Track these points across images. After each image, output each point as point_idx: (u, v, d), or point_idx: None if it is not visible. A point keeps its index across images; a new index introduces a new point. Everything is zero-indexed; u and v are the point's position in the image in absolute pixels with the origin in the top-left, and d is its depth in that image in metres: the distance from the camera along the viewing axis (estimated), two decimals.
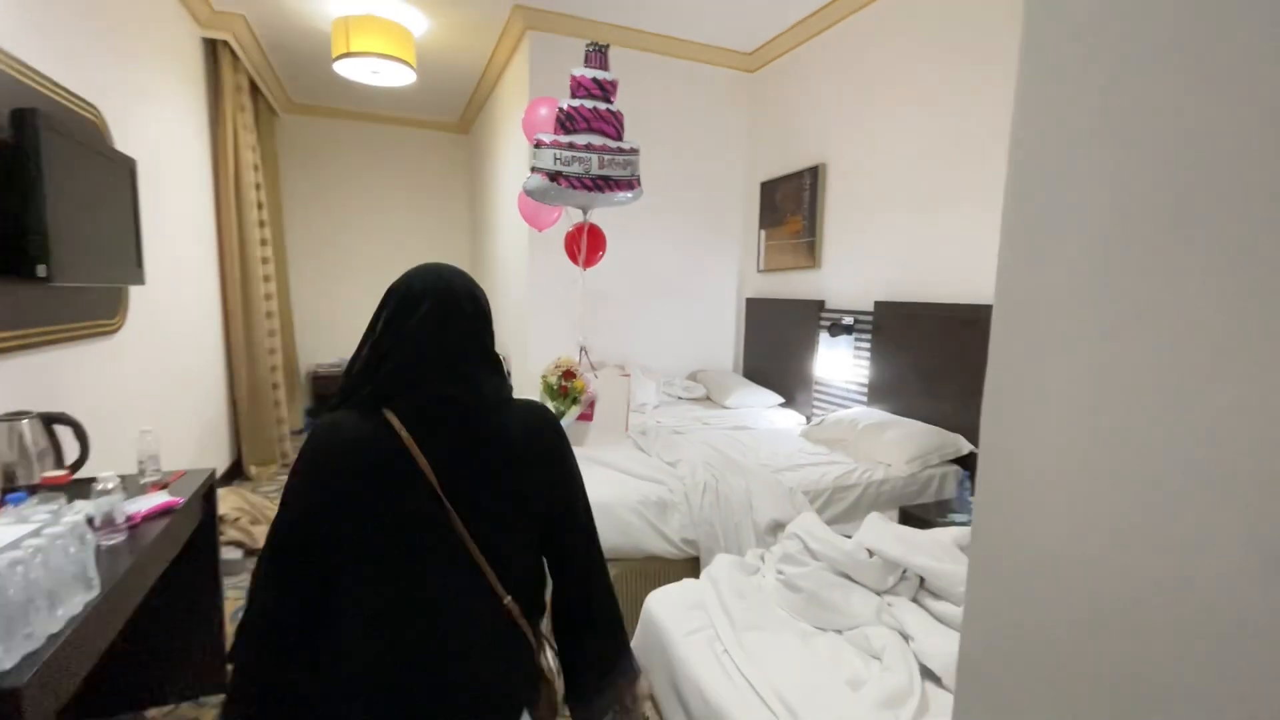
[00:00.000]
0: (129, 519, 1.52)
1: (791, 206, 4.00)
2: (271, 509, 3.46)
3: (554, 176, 2.41)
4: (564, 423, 2.55)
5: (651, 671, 1.38)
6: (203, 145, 3.88)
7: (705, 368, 4.63)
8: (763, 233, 4.34)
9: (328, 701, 0.87)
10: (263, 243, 4.46)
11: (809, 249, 3.85)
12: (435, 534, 0.88)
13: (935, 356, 2.99)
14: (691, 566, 2.21)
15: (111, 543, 1.43)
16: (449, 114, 6.17)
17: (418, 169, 6.40)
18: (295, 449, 5.13)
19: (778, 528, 2.25)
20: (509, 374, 0.81)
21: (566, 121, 2.39)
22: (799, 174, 3.92)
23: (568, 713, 1.03)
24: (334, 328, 6.19)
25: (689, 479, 2.27)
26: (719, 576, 1.49)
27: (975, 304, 2.80)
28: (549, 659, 1.00)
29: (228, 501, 3.25)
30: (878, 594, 1.38)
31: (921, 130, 3.09)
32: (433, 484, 0.87)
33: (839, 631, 1.34)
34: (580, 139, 2.42)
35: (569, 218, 2.81)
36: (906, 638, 1.26)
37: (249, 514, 3.30)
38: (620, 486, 2.23)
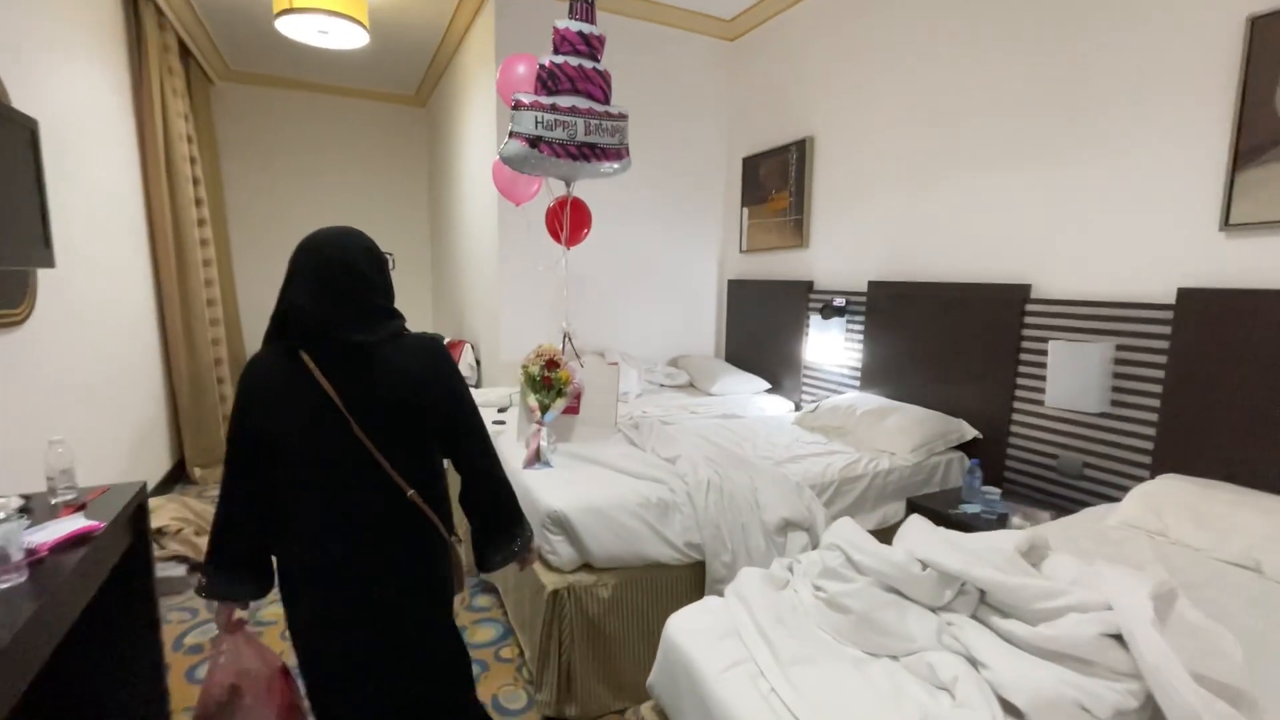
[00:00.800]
0: (31, 553, 1.23)
1: (776, 182, 3.82)
2: None
3: (534, 142, 2.15)
4: (548, 418, 2.33)
5: (682, 714, 1.19)
6: (125, 111, 3.45)
7: (686, 353, 4.44)
8: (745, 211, 4.14)
9: (287, 580, 1.21)
10: (200, 223, 4.05)
11: (796, 227, 3.68)
12: (344, 446, 1.14)
13: (934, 338, 2.86)
14: (695, 572, 2.03)
15: (6, 585, 1.15)
16: (405, 85, 5.75)
17: (372, 144, 5.97)
18: None
19: (788, 527, 2.08)
20: (403, 318, 1.24)
21: (549, 80, 2.13)
22: (784, 148, 3.73)
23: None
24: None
25: (690, 476, 2.08)
26: (749, 596, 1.30)
27: (977, 283, 2.67)
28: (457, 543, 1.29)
29: (167, 511, 2.91)
30: (933, 611, 1.21)
31: (917, 100, 2.93)
32: (339, 406, 1.13)
33: (894, 658, 1.16)
34: (564, 100, 2.17)
35: (549, 191, 2.56)
36: (976, 664, 1.09)
37: (193, 524, 2.97)
38: (616, 487, 2.03)
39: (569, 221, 2.43)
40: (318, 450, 1.15)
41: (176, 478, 3.97)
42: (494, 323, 3.90)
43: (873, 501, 2.43)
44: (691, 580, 2.02)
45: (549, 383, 2.39)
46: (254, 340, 5.55)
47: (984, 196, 2.66)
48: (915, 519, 1.44)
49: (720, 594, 1.89)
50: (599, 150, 2.27)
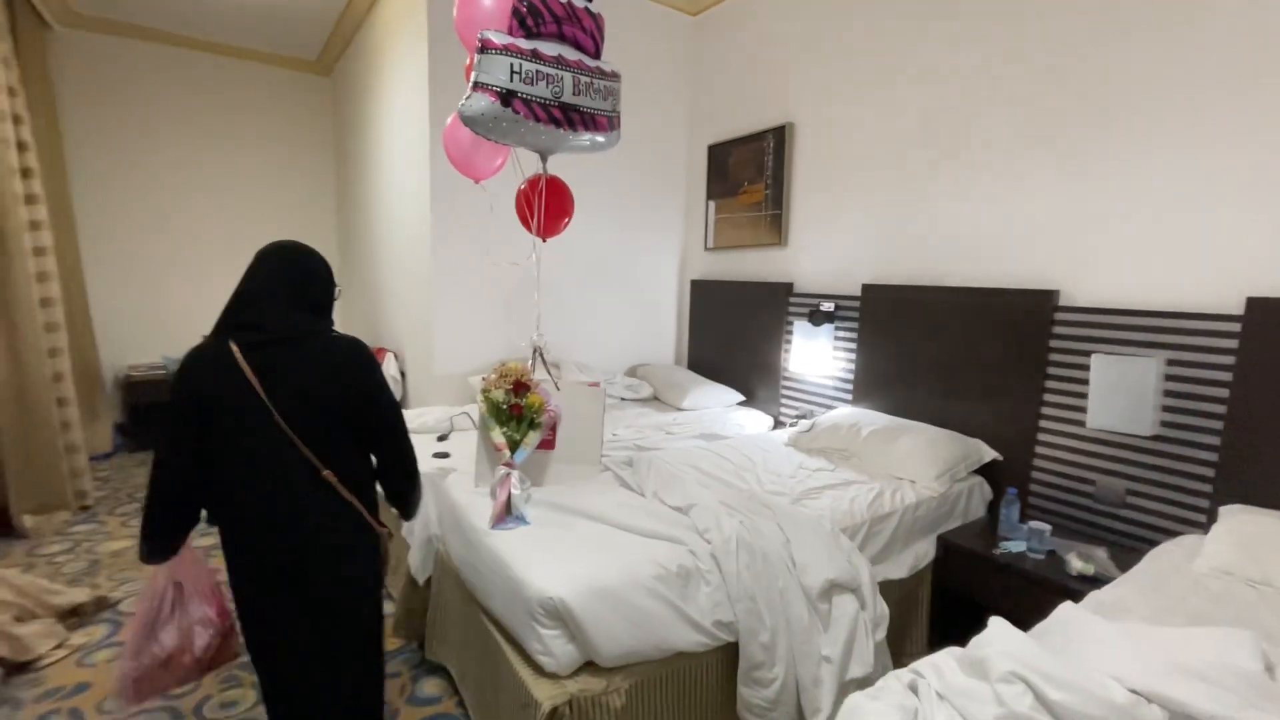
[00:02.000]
0: None
1: (749, 173, 3.45)
2: (53, 589, 2.35)
3: (507, 98, 1.63)
4: (518, 457, 1.81)
5: None
6: None
7: (645, 361, 3.99)
8: (711, 204, 3.75)
9: (223, 538, 1.34)
10: (28, 200, 3.14)
11: (773, 223, 3.33)
12: (263, 434, 1.25)
13: (941, 349, 2.59)
14: (725, 657, 1.59)
15: None
16: (305, 48, 4.92)
17: (265, 116, 5.07)
18: (99, 481, 3.81)
19: (832, 590, 1.69)
20: (333, 323, 1.41)
21: (529, 17, 1.62)
22: (759, 135, 3.36)
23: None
24: (154, 318, 4.76)
25: (715, 533, 1.63)
26: None
27: (993, 287, 2.41)
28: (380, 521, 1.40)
29: None
30: None
31: (918, 79, 2.64)
32: (258, 392, 1.24)
33: None
34: (548, 48, 1.66)
35: (517, 168, 2.02)
36: None
37: (13, 606, 2.19)
38: (622, 554, 1.55)
39: (543, 207, 1.91)
40: (242, 429, 1.25)
41: None
42: (425, 329, 3.28)
43: (902, 541, 2.10)
44: (722, 670, 1.58)
45: (518, 412, 1.87)
46: (113, 350, 4.54)
47: (1000, 190, 2.39)
48: (1069, 608, 1.07)
49: (760, 682, 1.48)
50: (587, 116, 1.78)
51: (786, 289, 3.26)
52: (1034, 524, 1.99)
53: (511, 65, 1.61)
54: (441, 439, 2.64)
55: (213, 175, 4.89)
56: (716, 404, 3.41)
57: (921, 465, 2.27)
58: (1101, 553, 1.88)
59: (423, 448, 2.52)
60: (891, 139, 2.76)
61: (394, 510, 1.48)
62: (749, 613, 1.56)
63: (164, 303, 4.79)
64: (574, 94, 1.73)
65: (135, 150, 4.59)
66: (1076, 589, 1.76)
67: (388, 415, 1.37)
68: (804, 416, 3.15)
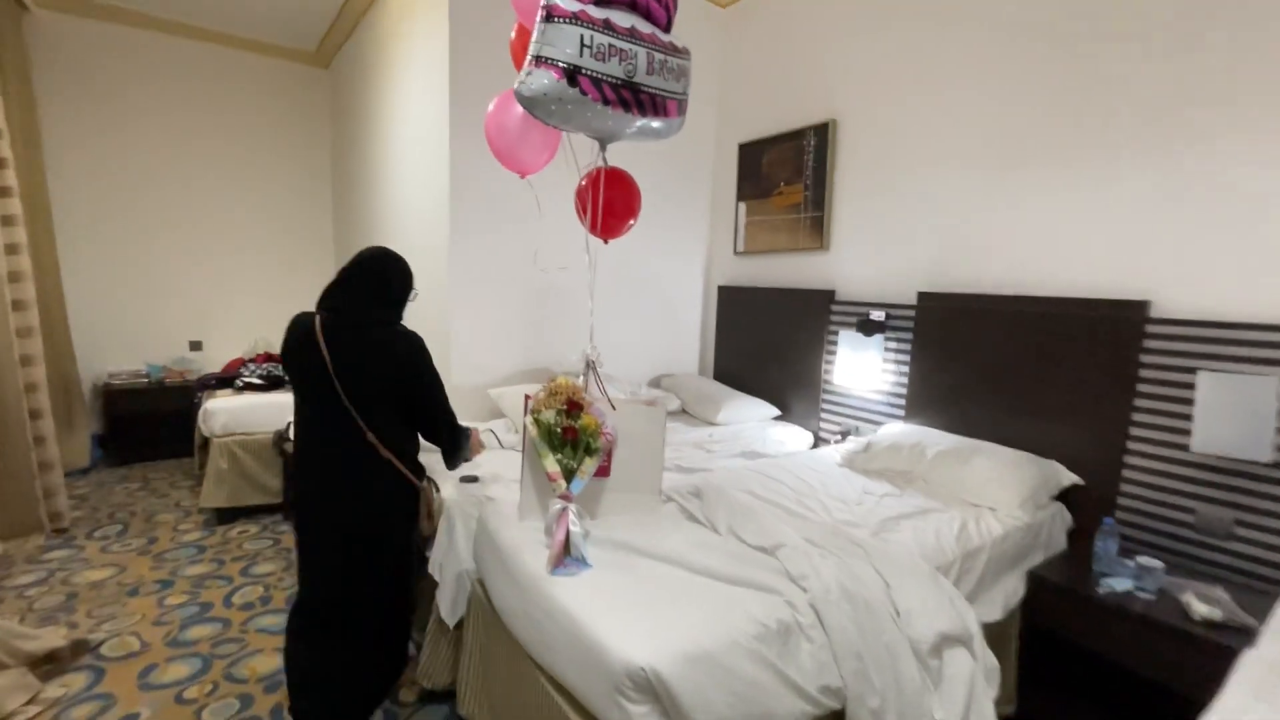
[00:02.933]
0: None
1: (786, 173, 3.25)
2: (24, 633, 2.06)
3: (573, 75, 1.40)
4: (575, 488, 1.58)
5: None
6: None
7: (670, 371, 3.77)
8: (742, 206, 3.55)
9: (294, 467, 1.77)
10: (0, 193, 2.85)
11: (813, 226, 3.13)
12: (327, 394, 1.57)
13: (1009, 363, 2.40)
14: None
15: None
16: (303, 39, 4.65)
17: (258, 109, 4.79)
18: (75, 500, 3.49)
19: (943, 645, 1.47)
20: (400, 317, 1.72)
21: None
22: (798, 133, 3.17)
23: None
24: (137, 323, 4.45)
25: (813, 579, 1.41)
26: None
27: (1072, 297, 2.22)
28: (428, 485, 1.81)
29: None
30: None
31: (982, 69, 2.46)
32: (326, 359, 1.56)
33: None
34: (621, 18, 1.44)
35: (570, 160, 1.79)
36: None
37: None
38: (712, 608, 1.32)
39: (601, 203, 1.68)
40: (310, 385, 1.61)
41: None
42: (441, 337, 3.02)
43: (992, 578, 1.89)
44: None
45: (572, 435, 1.63)
46: (93, 356, 4.22)
47: (1080, 189, 2.21)
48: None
49: None
50: (658, 99, 1.56)
51: (828, 296, 3.06)
52: (1143, 559, 1.79)
53: (582, 37, 1.38)
54: (466, 460, 2.38)
55: (202, 171, 4.60)
56: (751, 418, 3.19)
57: (1002, 491, 2.07)
58: (1222, 593, 1.69)
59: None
60: (952, 136, 2.57)
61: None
62: (857, 674, 1.34)
63: (148, 306, 4.47)
64: (647, 73, 1.51)
65: (119, 143, 4.29)
66: (1201, 636, 1.57)
67: (432, 392, 1.70)
68: (847, 433, 2.95)
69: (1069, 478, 2.18)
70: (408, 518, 1.74)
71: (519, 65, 1.73)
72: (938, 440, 2.38)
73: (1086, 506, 2.18)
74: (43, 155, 3.83)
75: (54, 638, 2.10)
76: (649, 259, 3.58)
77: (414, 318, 3.67)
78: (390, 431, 1.63)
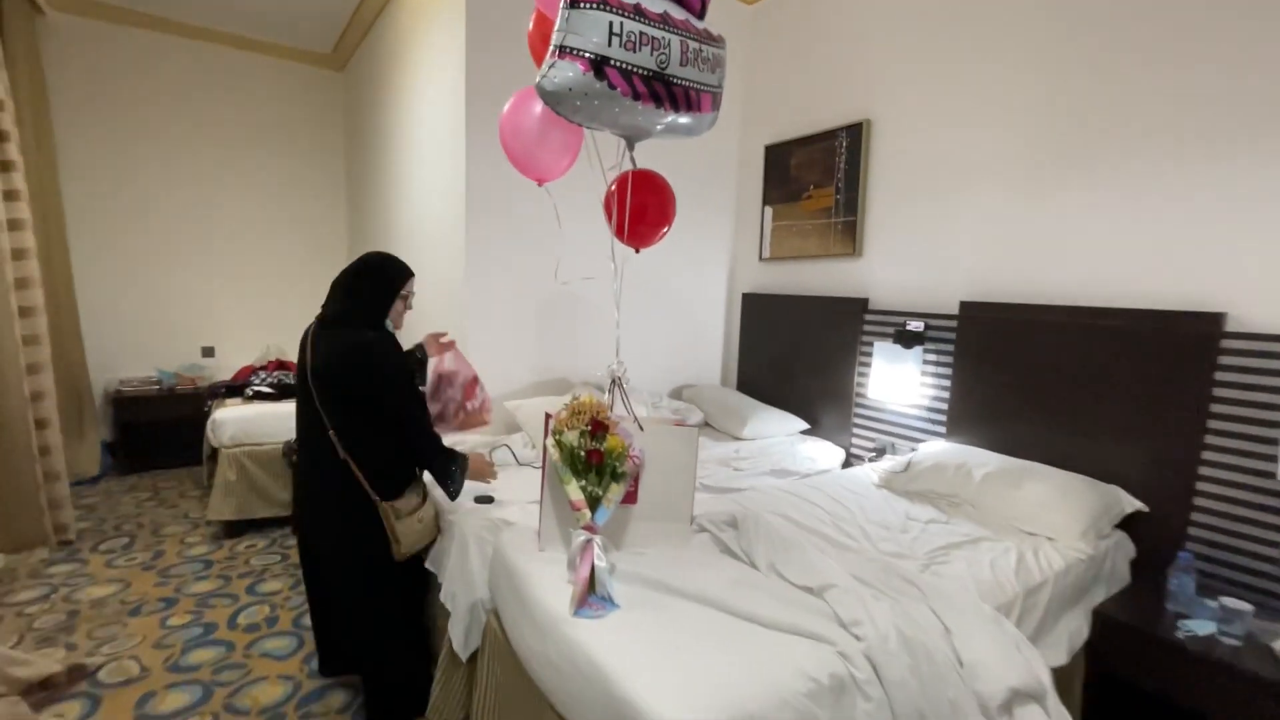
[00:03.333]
0: None
1: (816, 176, 3.10)
2: (18, 658, 1.95)
3: (600, 66, 1.27)
4: (600, 518, 1.45)
5: None
6: None
7: (689, 382, 3.63)
8: (768, 210, 3.41)
9: None
10: (6, 195, 2.78)
11: (845, 231, 2.98)
12: (305, 395, 1.68)
13: (1063, 378, 2.23)
14: None
15: None
16: (318, 41, 4.59)
17: (272, 113, 4.73)
18: (82, 510, 3.41)
19: (1016, 702, 1.31)
20: (370, 322, 1.73)
21: None
22: (829, 134, 3.02)
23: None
24: (149, 329, 4.39)
25: (867, 626, 1.26)
26: None
27: (1134, 308, 2.05)
28: (394, 504, 1.72)
29: None
30: None
31: (1029, 65, 2.30)
32: (307, 364, 1.68)
33: None
34: (652, 3, 1.31)
35: (594, 161, 1.66)
36: None
37: None
38: (756, 658, 1.17)
39: (631, 209, 1.54)
40: (300, 395, 1.73)
41: None
42: (458, 346, 2.90)
43: (1052, 617, 1.72)
44: None
45: (597, 459, 1.50)
46: (104, 362, 4.16)
47: (1143, 192, 2.05)
48: None
49: None
50: (692, 92, 1.43)
51: (860, 305, 2.91)
52: (1227, 600, 1.61)
53: (611, 24, 1.25)
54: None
55: (216, 174, 4.54)
56: (779, 433, 3.04)
57: (1061, 518, 1.90)
58: None
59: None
60: (999, 135, 2.41)
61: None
62: None
63: (160, 311, 4.41)
64: (680, 63, 1.38)
65: (132, 147, 4.24)
66: None
67: (395, 406, 1.70)
68: (881, 450, 2.79)
69: (1132, 504, 2.01)
70: (362, 533, 1.70)
71: (538, 60, 1.60)
72: (985, 461, 2.22)
73: (1151, 536, 2.01)
74: (56, 159, 3.79)
75: (49, 663, 1.99)
76: (669, 265, 3.44)
77: (426, 325, 3.54)
78: (355, 435, 1.65)
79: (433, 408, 2.20)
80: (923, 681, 1.23)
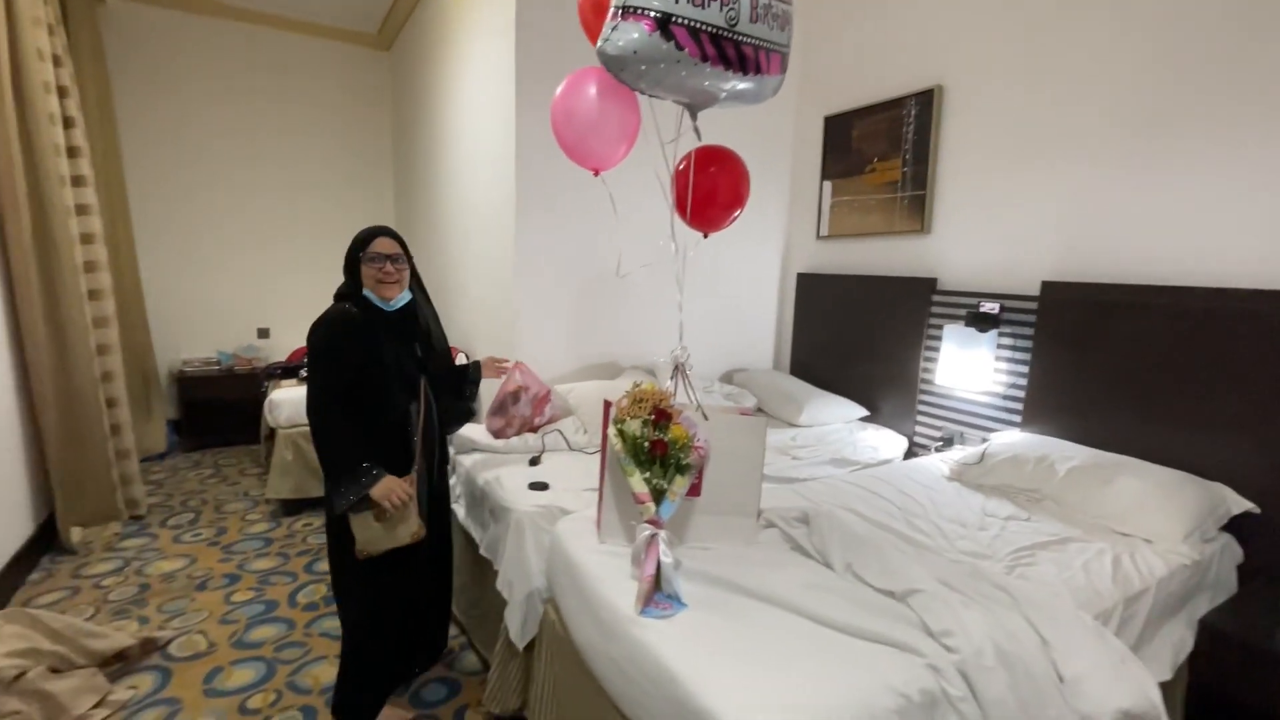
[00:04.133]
0: None
1: (881, 148, 2.92)
2: (95, 631, 2.02)
3: (665, 24, 1.17)
4: (665, 512, 1.38)
5: None
6: None
7: (740, 366, 3.52)
8: (828, 185, 3.24)
9: None
10: (74, 181, 2.85)
11: (912, 206, 2.80)
12: None
13: (1158, 364, 2.04)
14: None
15: None
16: (365, 20, 4.57)
17: (322, 94, 4.75)
18: (151, 485, 3.55)
19: None
20: (344, 292, 1.63)
21: None
22: (896, 103, 2.83)
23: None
24: (208, 310, 4.51)
25: (960, 637, 1.16)
26: None
27: (1249, 289, 1.85)
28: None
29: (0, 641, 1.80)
30: None
31: (1132, 24, 2.08)
32: None
33: None
34: None
35: (643, 138, 1.55)
36: None
37: (49, 655, 1.87)
38: (839, 669, 1.09)
39: (700, 188, 1.44)
40: None
41: (44, 546, 2.79)
42: (505, 331, 2.87)
43: (1153, 628, 1.58)
44: None
45: (661, 450, 1.42)
46: (167, 343, 4.30)
47: (1257, 158, 1.83)
48: None
49: None
50: (763, 52, 1.31)
51: (928, 285, 2.74)
52: None
53: None
54: (534, 463, 2.22)
55: (268, 157, 4.61)
56: (836, 420, 2.92)
57: (1161, 518, 1.74)
58: None
59: (515, 472, 2.11)
60: (1086, 97, 2.20)
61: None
62: None
63: (218, 293, 4.53)
64: (751, 20, 1.26)
65: (189, 132, 4.33)
66: None
67: (309, 378, 1.57)
68: (949, 440, 2.64)
69: (1240, 504, 1.83)
70: (331, 524, 1.63)
71: (588, 29, 1.51)
72: (1069, 454, 2.05)
73: (1261, 540, 1.83)
74: (119, 145, 3.89)
75: (124, 636, 2.06)
76: (719, 244, 3.28)
77: (473, 307, 3.49)
78: (321, 414, 1.54)
79: (498, 422, 2.28)
80: (1023, 701, 1.13)
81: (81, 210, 2.91)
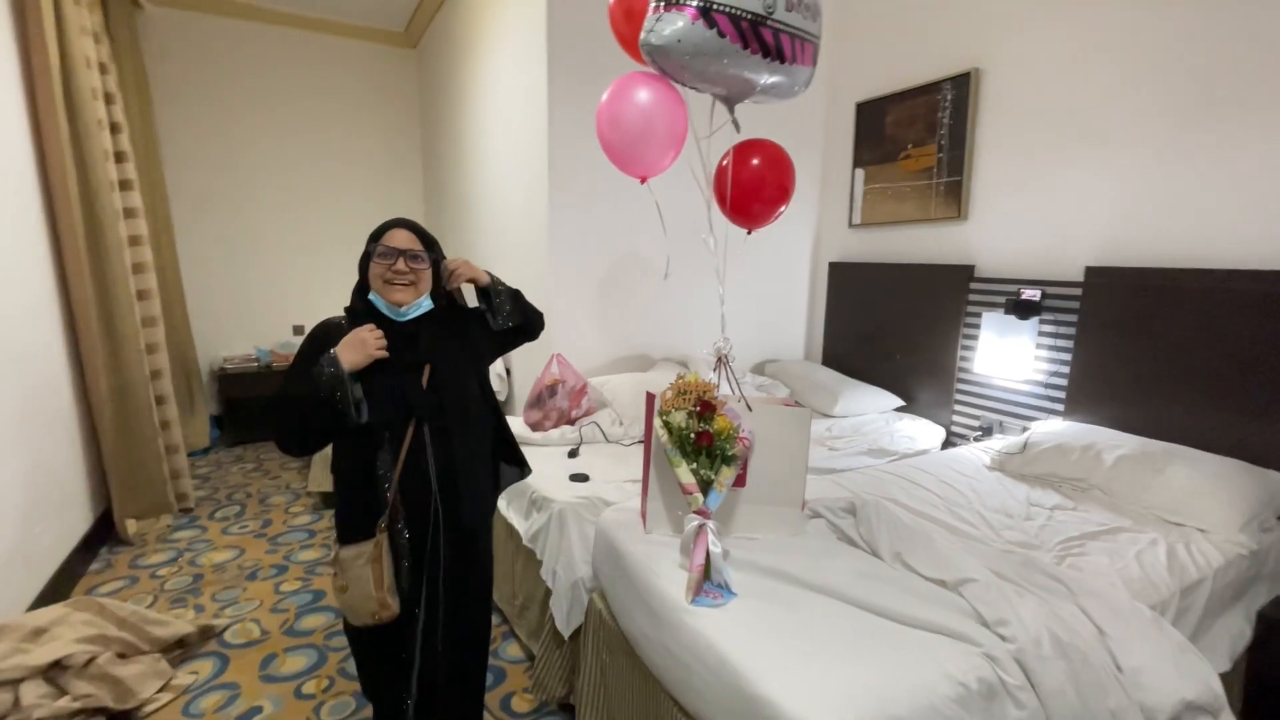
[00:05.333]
0: None
1: (916, 134, 2.87)
2: (157, 619, 2.11)
3: (708, 12, 1.17)
4: (711, 502, 1.38)
5: None
6: None
7: (772, 357, 3.50)
8: (860, 173, 3.20)
9: None
10: (122, 185, 2.93)
11: (949, 193, 2.75)
12: None
13: (1206, 350, 1.99)
14: None
15: None
16: (391, 18, 4.61)
17: (352, 93, 4.81)
18: (198, 479, 3.67)
19: (1186, 715, 1.18)
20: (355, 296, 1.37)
21: None
22: (931, 87, 2.78)
23: None
24: (246, 308, 4.62)
25: (1016, 626, 1.15)
26: None
27: None
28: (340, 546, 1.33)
29: (68, 631, 1.88)
30: None
31: (1170, 1, 2.01)
32: None
33: None
34: None
35: (696, 150, 1.54)
36: None
37: (116, 641, 1.95)
38: (896, 658, 1.09)
39: (739, 183, 1.43)
40: None
41: (102, 537, 2.90)
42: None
43: (1210, 619, 1.55)
44: None
45: (706, 441, 1.43)
46: (208, 341, 4.41)
47: None
48: None
49: None
50: (796, 42, 1.30)
51: (966, 273, 2.70)
52: None
53: None
54: (573, 455, 2.25)
55: (300, 157, 4.68)
56: (872, 410, 2.90)
57: (1215, 508, 1.71)
58: None
59: (554, 464, 2.14)
60: (1133, 74, 2.14)
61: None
62: None
63: (255, 291, 4.64)
64: (786, 8, 1.26)
65: (224, 134, 4.42)
66: None
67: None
68: (988, 429, 2.61)
69: None
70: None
71: (618, 32, 1.50)
72: (1117, 443, 2.02)
73: None
74: (160, 149, 3.99)
75: (183, 625, 2.14)
76: (752, 235, 3.29)
77: None
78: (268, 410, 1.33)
79: (535, 415, 2.34)
80: (1081, 691, 1.12)
81: (129, 213, 3.00)
